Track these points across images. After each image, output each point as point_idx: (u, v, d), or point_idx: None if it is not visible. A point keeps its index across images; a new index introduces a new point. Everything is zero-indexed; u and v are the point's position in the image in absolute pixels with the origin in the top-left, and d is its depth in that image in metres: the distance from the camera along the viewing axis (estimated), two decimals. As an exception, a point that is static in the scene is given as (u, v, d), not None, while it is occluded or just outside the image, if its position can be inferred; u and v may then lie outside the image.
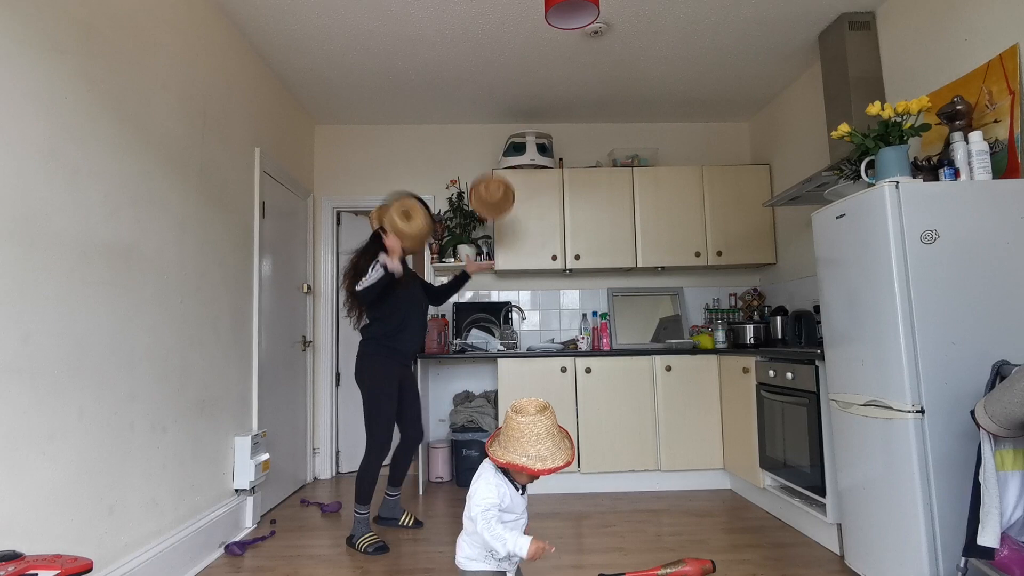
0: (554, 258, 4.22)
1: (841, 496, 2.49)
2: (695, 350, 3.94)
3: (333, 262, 4.53)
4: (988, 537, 1.72)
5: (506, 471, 1.71)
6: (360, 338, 3.05)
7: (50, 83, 1.85)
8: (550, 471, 1.63)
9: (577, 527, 3.12)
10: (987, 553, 1.74)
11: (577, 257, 4.22)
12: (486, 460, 1.76)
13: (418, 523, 3.19)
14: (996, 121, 2.39)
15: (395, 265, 2.82)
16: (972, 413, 1.80)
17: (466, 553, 1.72)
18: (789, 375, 2.97)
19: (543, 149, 4.31)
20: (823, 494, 2.71)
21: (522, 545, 1.59)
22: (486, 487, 1.68)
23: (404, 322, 3.02)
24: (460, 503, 3.64)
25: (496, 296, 4.61)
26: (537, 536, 1.60)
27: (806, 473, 2.85)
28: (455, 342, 4.26)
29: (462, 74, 3.82)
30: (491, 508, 1.65)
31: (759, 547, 2.80)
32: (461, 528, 1.77)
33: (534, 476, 1.68)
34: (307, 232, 4.38)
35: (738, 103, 4.41)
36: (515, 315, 4.55)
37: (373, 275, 2.86)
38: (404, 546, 2.89)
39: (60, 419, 1.85)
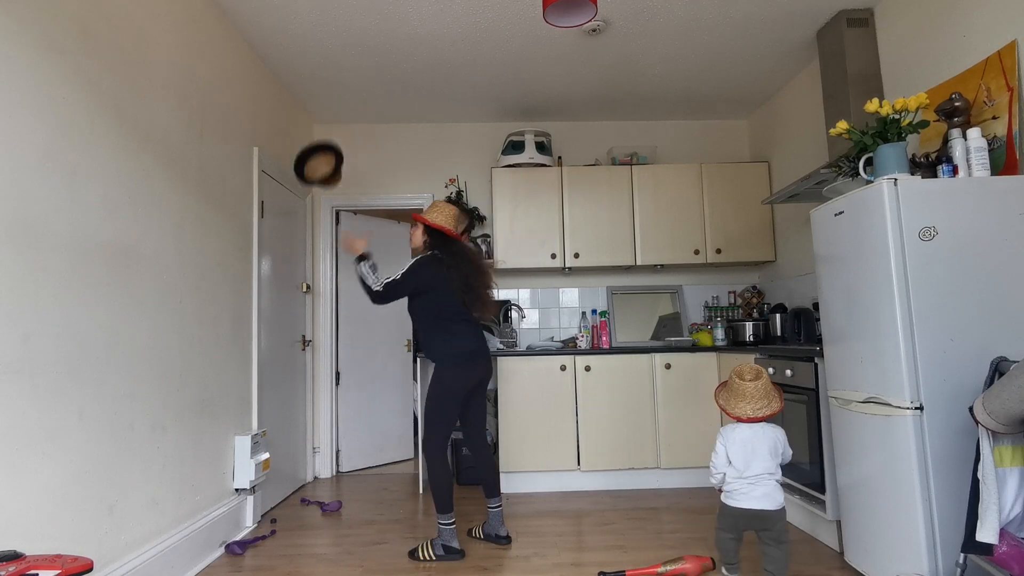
0: (553, 256, 4.22)
1: (840, 493, 2.49)
2: (694, 348, 3.94)
3: (332, 261, 4.53)
4: (987, 533, 1.72)
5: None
6: (484, 337, 3.08)
7: (48, 83, 1.85)
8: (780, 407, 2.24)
9: (577, 525, 3.12)
10: (986, 549, 1.75)
11: (576, 255, 4.22)
12: (744, 425, 2.22)
13: None
14: (994, 118, 2.39)
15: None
16: (971, 410, 1.80)
17: (782, 494, 2.21)
18: (788, 372, 2.98)
19: (542, 147, 4.31)
20: (823, 491, 2.72)
21: None
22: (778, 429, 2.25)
23: None
24: (460, 501, 3.65)
25: (495, 294, 4.60)
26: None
27: (805, 470, 2.85)
28: (455, 341, 4.26)
29: (461, 73, 3.82)
30: None
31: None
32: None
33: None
34: (306, 231, 4.37)
35: (737, 101, 4.40)
36: (514, 313, 4.55)
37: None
38: (405, 544, 2.90)
39: (60, 419, 1.85)
